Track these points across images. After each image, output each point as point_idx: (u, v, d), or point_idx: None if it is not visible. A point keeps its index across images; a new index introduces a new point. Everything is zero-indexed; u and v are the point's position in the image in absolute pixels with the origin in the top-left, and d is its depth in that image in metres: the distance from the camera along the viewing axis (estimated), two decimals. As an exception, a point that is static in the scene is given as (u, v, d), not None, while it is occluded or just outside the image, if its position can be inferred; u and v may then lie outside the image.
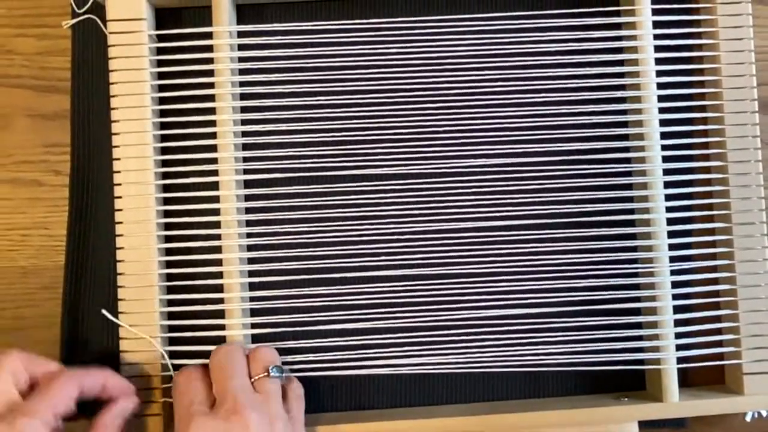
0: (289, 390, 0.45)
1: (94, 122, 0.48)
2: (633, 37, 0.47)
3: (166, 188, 0.47)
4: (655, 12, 0.47)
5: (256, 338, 0.47)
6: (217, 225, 0.46)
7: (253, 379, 0.42)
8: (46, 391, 0.39)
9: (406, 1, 0.49)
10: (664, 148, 0.47)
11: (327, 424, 0.46)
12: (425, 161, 0.47)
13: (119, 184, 0.46)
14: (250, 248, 0.47)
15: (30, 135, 0.49)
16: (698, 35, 0.48)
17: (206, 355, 0.45)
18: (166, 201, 0.47)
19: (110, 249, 0.47)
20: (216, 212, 0.46)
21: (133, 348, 0.45)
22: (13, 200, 0.49)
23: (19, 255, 0.49)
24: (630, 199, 0.48)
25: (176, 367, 0.46)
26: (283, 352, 0.46)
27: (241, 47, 0.47)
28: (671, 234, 0.47)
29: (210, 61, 0.46)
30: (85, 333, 0.48)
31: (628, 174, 0.48)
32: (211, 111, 0.46)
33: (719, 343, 0.47)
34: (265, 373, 0.43)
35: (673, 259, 0.47)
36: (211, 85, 0.46)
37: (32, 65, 0.49)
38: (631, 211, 0.48)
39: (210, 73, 0.46)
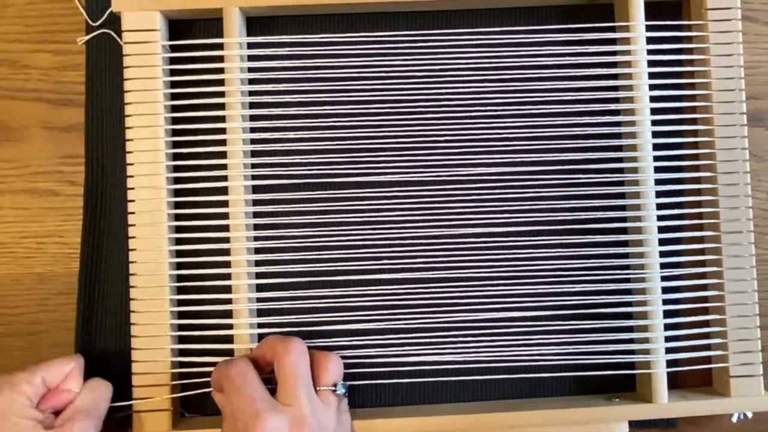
0: (341, 404, 0.46)
1: (108, 134, 0.50)
2: (627, 52, 0.49)
3: (177, 193, 0.49)
4: (648, 28, 0.49)
5: (261, 338, 0.48)
6: (226, 229, 0.48)
7: (319, 388, 0.44)
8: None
9: (409, 16, 0.51)
10: (656, 159, 0.49)
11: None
12: (426, 169, 0.49)
13: (132, 189, 0.47)
14: (257, 251, 0.49)
15: (46, 146, 0.51)
16: (690, 51, 0.50)
17: (215, 353, 0.47)
18: (177, 205, 0.49)
19: (123, 256, 0.49)
20: (225, 216, 0.48)
21: (145, 345, 0.47)
22: (30, 209, 0.51)
23: (36, 262, 0.51)
24: (623, 208, 0.49)
25: (185, 365, 0.48)
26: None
27: (250, 58, 0.49)
28: (662, 242, 0.49)
29: (221, 71, 0.48)
30: (99, 336, 0.49)
31: (621, 183, 0.50)
32: (222, 119, 0.48)
33: (707, 347, 0.49)
34: (333, 387, 0.44)
35: (663, 266, 0.49)
36: (221, 94, 0.48)
37: (48, 79, 0.51)
38: (624, 219, 0.49)
39: (221, 82, 0.48)
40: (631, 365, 0.49)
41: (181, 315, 0.48)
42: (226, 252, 0.48)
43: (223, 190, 0.48)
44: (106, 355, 0.49)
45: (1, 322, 0.50)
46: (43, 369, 0.44)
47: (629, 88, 0.49)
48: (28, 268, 0.51)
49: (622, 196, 0.50)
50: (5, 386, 0.42)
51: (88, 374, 0.48)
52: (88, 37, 0.50)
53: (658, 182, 0.49)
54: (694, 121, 0.50)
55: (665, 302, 0.48)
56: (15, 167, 0.51)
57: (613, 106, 0.49)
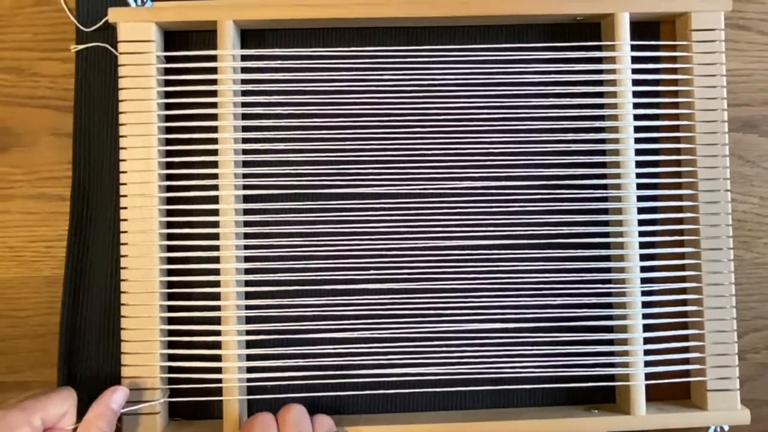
0: None
1: (95, 141, 0.51)
2: (613, 71, 0.50)
3: (168, 201, 0.50)
4: (634, 48, 0.50)
5: (250, 344, 0.49)
6: (216, 237, 0.49)
7: None
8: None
9: (399, 31, 0.52)
10: (639, 176, 0.50)
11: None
12: (413, 182, 0.50)
13: (125, 196, 0.48)
14: (247, 260, 0.50)
15: (54, 152, 0.52)
16: (674, 71, 0.51)
17: (203, 358, 0.48)
18: (169, 213, 0.50)
19: (109, 262, 0.50)
20: (215, 225, 0.49)
21: (134, 350, 0.48)
22: (38, 214, 0.52)
23: (44, 265, 0.52)
24: (605, 223, 0.51)
25: (174, 370, 0.49)
26: (273, 357, 0.49)
27: (243, 70, 0.50)
28: (643, 257, 0.50)
29: (214, 82, 0.49)
30: (84, 341, 0.50)
31: (605, 199, 0.51)
32: (214, 129, 0.49)
33: (686, 361, 0.50)
34: None
35: (644, 281, 0.50)
36: (214, 105, 0.49)
37: (56, 87, 0.52)
38: (606, 235, 0.50)
39: (214, 93, 0.49)
40: (611, 377, 0.51)
41: (171, 321, 0.49)
42: (216, 260, 0.49)
43: (214, 199, 0.49)
44: (91, 359, 0.50)
45: (11, 324, 0.51)
46: (41, 409, 0.42)
47: (614, 106, 0.50)
48: (36, 272, 0.52)
49: (605, 211, 0.51)
50: (2, 428, 0.40)
51: (71, 381, 0.50)
52: (82, 47, 0.51)
53: (640, 199, 0.50)
54: (677, 140, 0.51)
55: (645, 316, 0.50)
56: (24, 173, 0.52)
57: (597, 124, 0.50)
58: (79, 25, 0.51)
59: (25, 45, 0.52)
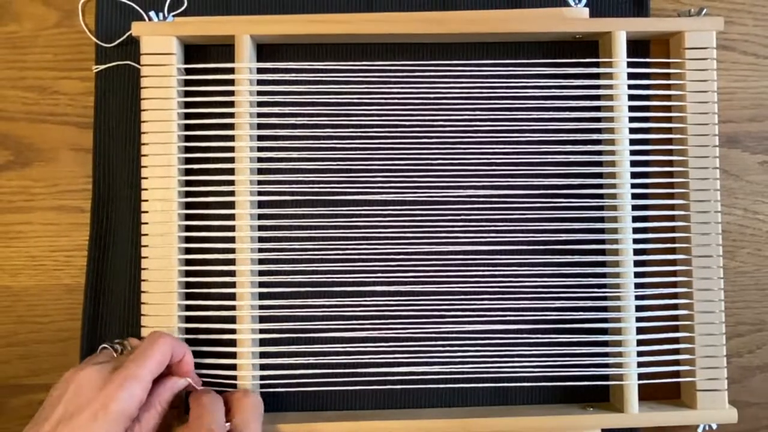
0: None
1: (114, 155, 0.53)
2: (609, 86, 0.52)
3: (187, 206, 0.52)
4: (630, 65, 0.52)
5: (263, 342, 0.52)
6: (232, 240, 0.51)
7: None
8: (150, 354, 0.44)
9: (407, 47, 0.54)
10: (633, 186, 0.52)
11: (321, 422, 0.51)
12: (419, 190, 0.52)
13: (146, 200, 0.50)
14: (261, 262, 0.53)
15: (74, 167, 0.54)
16: (668, 87, 0.54)
17: (219, 355, 0.51)
18: (188, 217, 0.52)
19: (127, 271, 0.52)
20: (232, 229, 0.51)
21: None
22: (59, 225, 0.54)
23: (64, 274, 0.54)
24: (601, 230, 0.53)
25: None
26: (285, 355, 0.51)
27: (259, 82, 0.52)
28: (637, 263, 0.52)
29: (231, 93, 0.51)
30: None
31: (601, 208, 0.53)
32: (231, 138, 0.51)
33: (676, 362, 0.53)
34: None
35: (637, 286, 0.52)
36: (231, 115, 0.51)
37: (76, 104, 0.54)
38: (602, 241, 0.53)
39: (231, 104, 0.51)
40: (605, 377, 0.53)
41: (189, 320, 0.52)
42: (232, 262, 0.51)
43: (231, 205, 0.51)
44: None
45: (33, 330, 0.54)
46: (147, 366, 0.44)
47: (610, 119, 0.52)
48: (57, 280, 0.54)
49: (601, 219, 0.53)
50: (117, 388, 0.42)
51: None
52: (104, 66, 0.53)
53: (634, 208, 0.52)
54: (669, 153, 0.53)
55: (638, 319, 0.52)
56: (45, 186, 0.54)
57: (594, 136, 0.53)
58: (99, 42, 0.53)
59: (46, 65, 0.54)
